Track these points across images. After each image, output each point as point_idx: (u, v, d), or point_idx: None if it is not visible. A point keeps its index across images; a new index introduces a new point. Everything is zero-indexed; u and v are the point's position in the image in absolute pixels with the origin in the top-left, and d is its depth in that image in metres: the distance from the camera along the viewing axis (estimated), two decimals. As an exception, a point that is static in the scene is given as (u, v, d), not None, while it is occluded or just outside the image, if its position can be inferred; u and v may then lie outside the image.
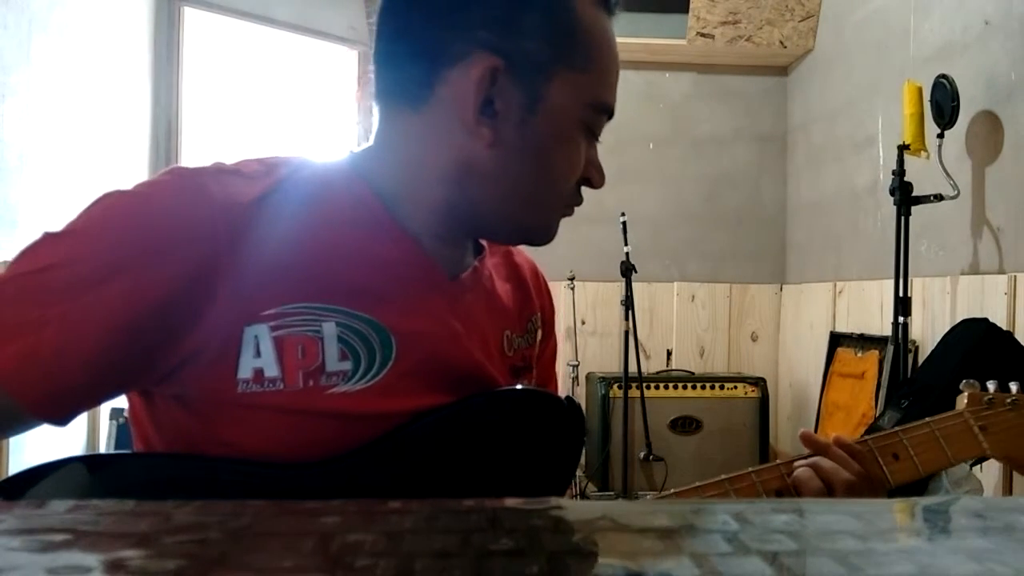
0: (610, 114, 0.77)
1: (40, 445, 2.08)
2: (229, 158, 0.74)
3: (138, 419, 0.72)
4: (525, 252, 0.93)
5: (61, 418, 0.65)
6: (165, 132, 3.06)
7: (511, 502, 0.30)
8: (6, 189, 2.03)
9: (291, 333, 0.66)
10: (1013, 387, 0.90)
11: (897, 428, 0.87)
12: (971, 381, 0.90)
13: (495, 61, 0.70)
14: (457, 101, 0.71)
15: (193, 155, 3.08)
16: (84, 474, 0.67)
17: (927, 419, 0.86)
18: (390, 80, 0.75)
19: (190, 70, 3.09)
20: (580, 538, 0.26)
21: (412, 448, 0.71)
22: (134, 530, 0.27)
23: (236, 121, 3.19)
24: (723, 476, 0.81)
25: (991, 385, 0.90)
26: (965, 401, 0.90)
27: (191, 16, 3.10)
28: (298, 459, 0.67)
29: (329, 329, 0.68)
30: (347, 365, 0.68)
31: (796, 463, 0.84)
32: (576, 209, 0.79)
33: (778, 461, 0.85)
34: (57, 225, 0.65)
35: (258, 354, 0.65)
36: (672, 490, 0.82)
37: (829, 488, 0.81)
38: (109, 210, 0.65)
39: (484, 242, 0.86)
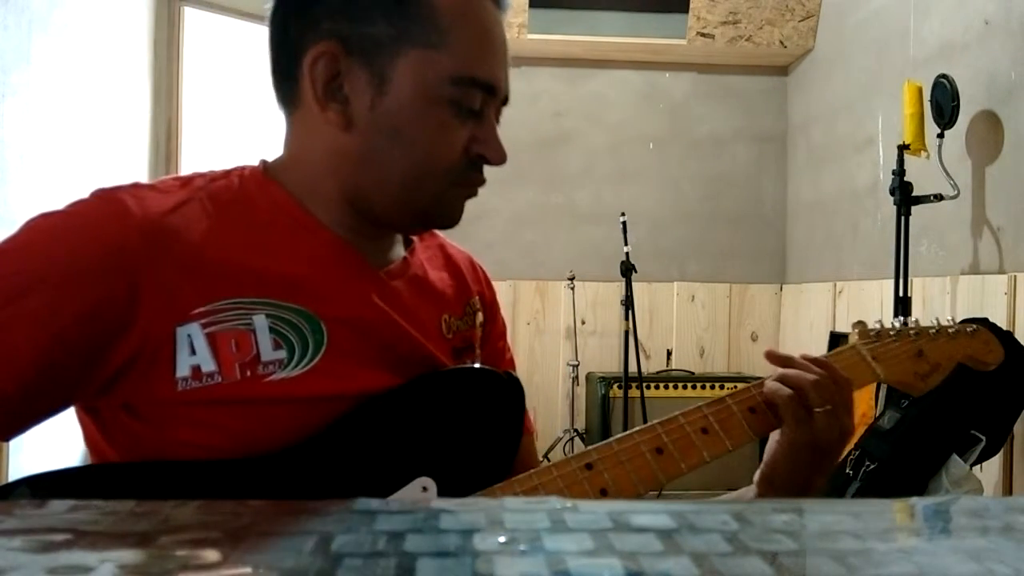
0: (489, 89, 0.75)
1: (39, 447, 2.08)
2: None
3: (91, 437, 0.73)
4: (459, 245, 0.96)
5: (2, 434, 0.66)
6: (165, 132, 3.06)
7: (511, 502, 0.30)
8: (6, 189, 2.03)
9: (223, 328, 0.68)
10: (896, 323, 1.01)
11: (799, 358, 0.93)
12: (860, 321, 1.01)
13: (330, 46, 0.72)
14: (309, 91, 0.74)
15: (193, 155, 3.08)
16: (32, 496, 0.67)
17: (825, 354, 0.92)
18: (275, 84, 0.79)
19: (190, 70, 3.09)
20: (580, 537, 0.26)
21: (362, 431, 0.73)
22: (134, 530, 0.27)
23: (236, 121, 3.18)
24: (701, 404, 0.85)
25: (876, 324, 1.01)
26: (856, 336, 0.99)
27: (191, 16, 3.10)
28: (252, 450, 0.69)
29: (260, 321, 0.70)
30: (281, 354, 0.70)
31: (765, 380, 0.87)
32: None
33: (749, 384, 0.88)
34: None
35: (193, 352, 0.67)
36: (655, 421, 0.83)
37: (799, 393, 0.83)
38: (32, 230, 0.68)
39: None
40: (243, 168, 0.79)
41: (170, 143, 3.06)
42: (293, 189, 0.77)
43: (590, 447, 0.81)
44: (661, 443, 0.81)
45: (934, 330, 1.01)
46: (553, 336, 3.77)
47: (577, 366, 3.63)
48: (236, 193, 0.75)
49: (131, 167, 2.84)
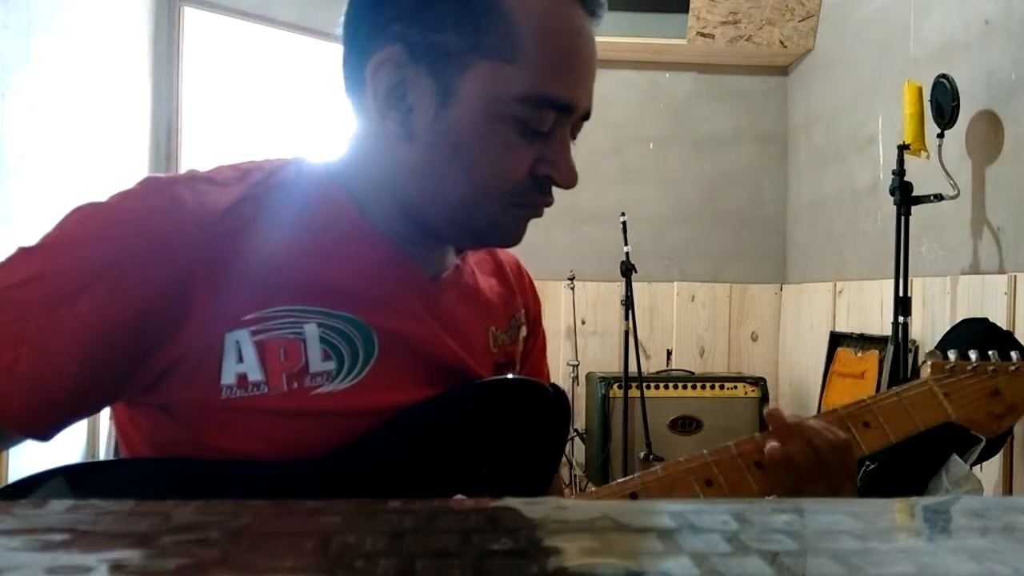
0: (564, 108, 0.70)
1: (39, 448, 2.08)
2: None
3: (124, 430, 0.72)
4: (509, 250, 0.92)
5: (43, 434, 0.65)
6: (165, 132, 3.06)
7: (511, 502, 0.30)
8: (6, 189, 2.03)
9: (272, 337, 0.66)
10: (972, 355, 0.95)
11: (867, 398, 0.90)
12: (934, 351, 0.96)
13: (396, 51, 0.68)
14: (371, 96, 0.71)
15: (193, 155, 3.07)
16: (68, 485, 0.66)
17: (895, 388, 0.90)
18: (345, 82, 0.76)
19: (190, 70, 3.09)
20: (580, 538, 0.26)
21: (401, 441, 0.71)
22: (134, 530, 0.27)
23: (237, 121, 3.18)
24: (755, 433, 0.83)
25: (952, 354, 0.95)
26: (929, 370, 0.94)
27: (191, 16, 3.10)
28: (289, 459, 0.67)
29: (311, 330, 0.67)
30: (331, 365, 0.68)
31: (768, 445, 0.83)
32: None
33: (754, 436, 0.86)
34: (32, 239, 0.65)
35: (240, 359, 0.65)
36: (705, 451, 0.81)
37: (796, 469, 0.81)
38: (81, 223, 0.65)
39: None
40: (301, 161, 0.75)
41: (170, 143, 3.06)
42: (353, 191, 0.74)
43: (634, 475, 0.79)
44: (711, 475, 0.80)
45: (1013, 367, 0.95)
46: (553, 336, 3.76)
47: (577, 366, 3.63)
48: (295, 192, 0.72)
49: (131, 167, 2.84)
